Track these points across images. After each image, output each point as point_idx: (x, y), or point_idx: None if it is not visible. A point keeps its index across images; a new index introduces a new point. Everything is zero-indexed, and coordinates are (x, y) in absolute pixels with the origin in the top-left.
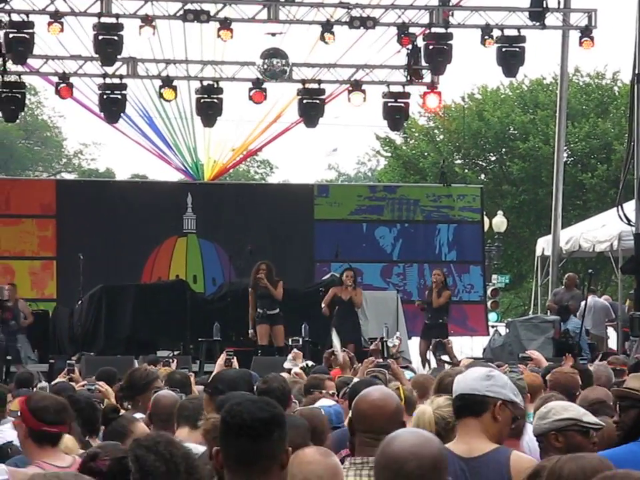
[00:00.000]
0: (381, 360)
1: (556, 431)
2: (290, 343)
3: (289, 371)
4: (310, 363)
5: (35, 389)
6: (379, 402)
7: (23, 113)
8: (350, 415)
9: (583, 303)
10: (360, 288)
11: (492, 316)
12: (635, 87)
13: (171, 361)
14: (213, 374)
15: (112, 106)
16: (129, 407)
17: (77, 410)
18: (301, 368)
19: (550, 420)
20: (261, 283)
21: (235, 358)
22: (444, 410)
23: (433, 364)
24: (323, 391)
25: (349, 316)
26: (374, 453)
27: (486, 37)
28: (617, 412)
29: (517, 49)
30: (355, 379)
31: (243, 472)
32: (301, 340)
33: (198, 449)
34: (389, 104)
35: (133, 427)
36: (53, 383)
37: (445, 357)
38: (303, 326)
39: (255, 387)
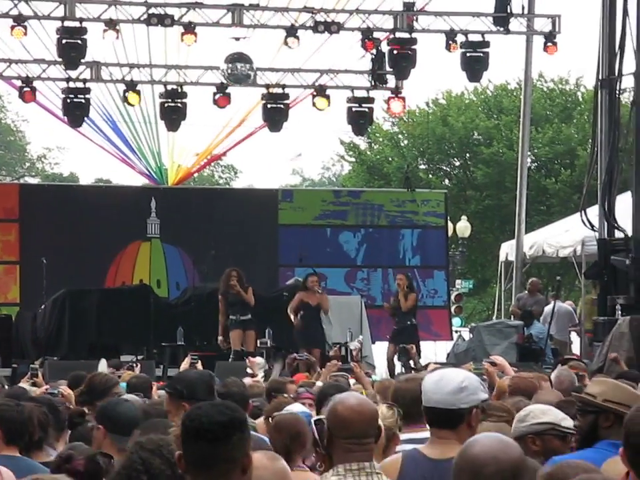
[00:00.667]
0: (343, 364)
1: (534, 434)
2: (259, 345)
3: (252, 375)
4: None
5: None
6: (358, 407)
7: None
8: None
9: (547, 308)
10: (325, 293)
11: (456, 321)
12: (599, 92)
13: (134, 365)
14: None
15: (75, 110)
16: (89, 412)
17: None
18: (264, 372)
19: (528, 423)
20: (233, 289)
21: (199, 362)
22: (389, 421)
23: (399, 369)
24: (285, 395)
25: (315, 321)
26: (359, 458)
27: (450, 42)
28: (576, 417)
29: (481, 54)
30: (319, 383)
31: (203, 475)
32: (268, 342)
33: None
34: (353, 109)
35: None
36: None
37: (410, 363)
38: (267, 330)
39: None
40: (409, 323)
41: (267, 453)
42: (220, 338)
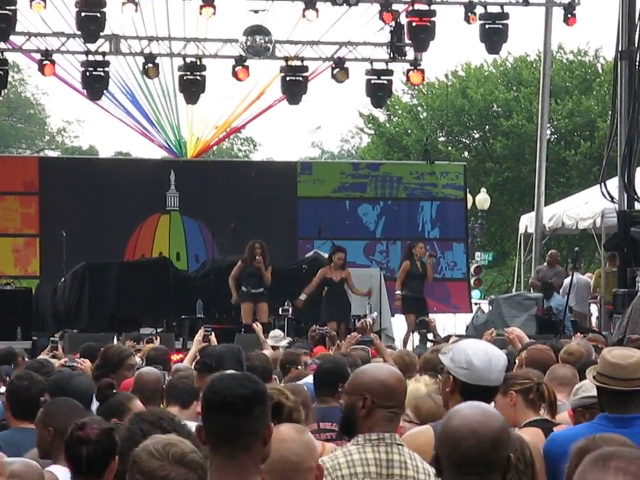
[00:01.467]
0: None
1: (583, 407)
2: (281, 312)
3: (273, 348)
4: (289, 340)
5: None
6: (399, 376)
7: (5, 90)
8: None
9: (567, 280)
10: (348, 269)
11: (475, 293)
12: (619, 64)
13: (154, 338)
14: (191, 350)
15: (95, 83)
16: None
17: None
18: (288, 343)
19: (579, 397)
20: (256, 263)
21: (212, 334)
22: (432, 387)
23: (416, 340)
24: (299, 367)
25: (340, 297)
26: (393, 428)
27: (469, 14)
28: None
29: (500, 26)
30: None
31: (225, 448)
32: (290, 310)
33: (192, 426)
34: (372, 81)
35: (131, 405)
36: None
37: (429, 335)
38: (286, 303)
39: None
40: (424, 294)
41: (295, 426)
42: (234, 300)
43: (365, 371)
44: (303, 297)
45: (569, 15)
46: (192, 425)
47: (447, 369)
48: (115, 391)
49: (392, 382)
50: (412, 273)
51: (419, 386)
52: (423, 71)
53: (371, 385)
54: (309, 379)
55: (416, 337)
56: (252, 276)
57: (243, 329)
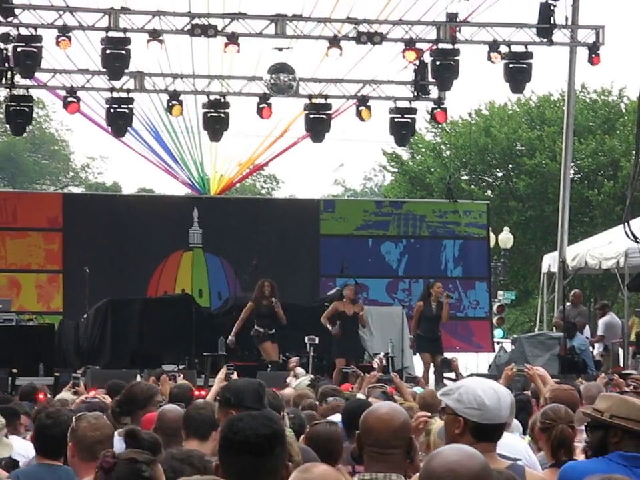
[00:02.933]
0: (383, 374)
1: None
2: (307, 341)
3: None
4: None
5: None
6: (385, 416)
7: (30, 127)
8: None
9: (602, 320)
10: (361, 304)
11: (497, 332)
12: None
13: (176, 375)
14: (214, 388)
15: (119, 120)
16: (127, 422)
17: None
18: (309, 381)
19: None
20: (266, 302)
21: (235, 373)
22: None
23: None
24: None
25: (351, 331)
26: (380, 468)
27: (492, 53)
28: (587, 432)
29: (524, 65)
30: (359, 395)
31: None
32: (316, 339)
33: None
34: (396, 119)
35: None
36: (57, 397)
37: (451, 375)
38: (309, 337)
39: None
40: (439, 333)
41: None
42: (231, 339)
43: (367, 410)
44: (328, 326)
45: (593, 55)
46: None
47: (453, 410)
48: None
49: (372, 422)
50: (425, 314)
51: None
52: (446, 110)
53: (360, 424)
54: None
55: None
56: (266, 316)
57: (269, 366)
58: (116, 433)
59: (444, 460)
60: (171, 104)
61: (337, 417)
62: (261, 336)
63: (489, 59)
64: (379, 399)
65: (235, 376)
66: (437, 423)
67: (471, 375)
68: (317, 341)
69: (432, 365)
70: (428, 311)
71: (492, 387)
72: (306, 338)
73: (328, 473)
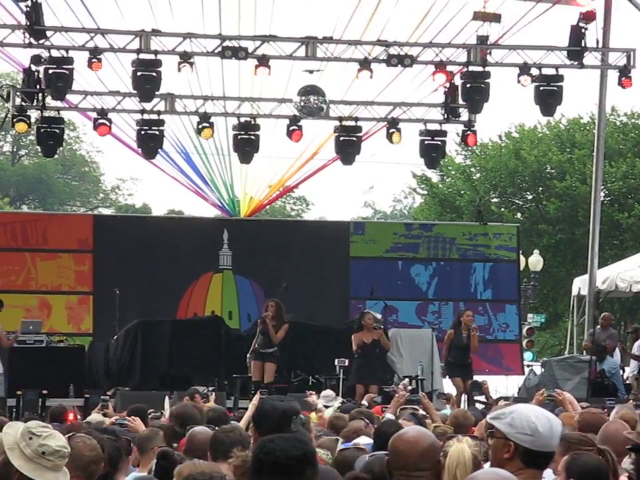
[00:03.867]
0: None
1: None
2: (337, 363)
3: (325, 407)
4: (341, 400)
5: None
6: (412, 439)
7: (61, 148)
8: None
9: (637, 343)
10: (380, 330)
11: (527, 355)
12: None
13: (209, 394)
14: (247, 413)
15: (149, 142)
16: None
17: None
18: (340, 404)
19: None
20: (266, 320)
21: None
22: (475, 449)
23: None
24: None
25: (371, 358)
26: None
27: (521, 76)
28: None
29: (555, 88)
30: (389, 415)
31: None
32: (346, 361)
33: None
34: (426, 142)
35: None
36: (86, 419)
37: (481, 397)
38: (336, 364)
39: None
40: (469, 360)
41: None
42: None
43: (395, 434)
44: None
45: (624, 78)
46: None
47: (504, 434)
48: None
49: (399, 445)
50: (455, 343)
51: (463, 446)
52: (476, 133)
53: (389, 449)
54: (364, 439)
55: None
56: (263, 334)
57: (253, 387)
58: None
59: None
60: (201, 126)
61: (361, 440)
62: (254, 353)
63: (519, 82)
64: (408, 421)
65: None
66: (455, 446)
67: (500, 398)
68: (346, 364)
69: (463, 389)
70: (458, 339)
71: (545, 415)
72: (336, 361)
73: None
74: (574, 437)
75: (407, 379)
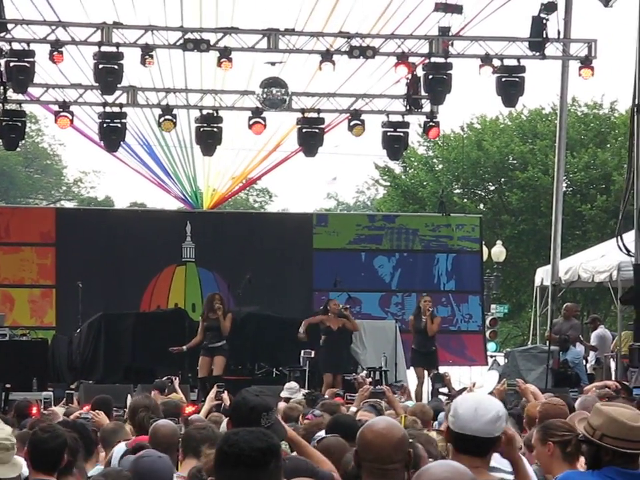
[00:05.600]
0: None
1: None
2: (303, 355)
3: (286, 400)
4: (304, 392)
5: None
6: (384, 430)
7: (23, 141)
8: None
9: (595, 333)
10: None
11: (491, 346)
12: (635, 117)
13: (173, 379)
14: (204, 407)
15: (112, 134)
16: None
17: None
18: (304, 395)
19: None
20: (215, 314)
21: (225, 392)
22: (440, 445)
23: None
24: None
25: (337, 347)
26: None
27: (483, 66)
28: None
29: (517, 79)
30: (352, 408)
31: None
32: (312, 353)
33: None
34: (388, 133)
35: None
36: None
37: (443, 389)
38: (302, 355)
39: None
40: (433, 348)
41: None
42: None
43: (364, 426)
44: (302, 332)
45: (585, 68)
46: None
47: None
48: None
49: (371, 437)
50: (416, 329)
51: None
52: (438, 125)
53: (358, 440)
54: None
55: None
56: (210, 330)
57: (198, 383)
58: (123, 444)
59: (433, 476)
60: (163, 119)
61: (322, 434)
62: (203, 349)
63: (481, 73)
64: (369, 413)
65: (225, 395)
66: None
67: (464, 389)
68: (312, 355)
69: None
70: (418, 324)
71: (475, 399)
72: (302, 352)
73: None
74: (554, 424)
75: (365, 372)
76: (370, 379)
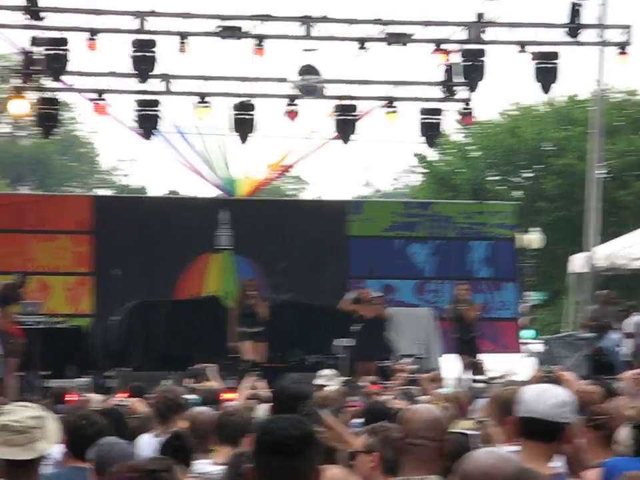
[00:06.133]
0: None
1: None
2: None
3: (320, 387)
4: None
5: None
6: (419, 410)
7: (58, 129)
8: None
9: (631, 320)
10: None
11: (529, 333)
12: None
13: (209, 366)
14: (240, 395)
15: (147, 122)
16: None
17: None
18: (339, 383)
19: None
20: (249, 301)
21: (260, 380)
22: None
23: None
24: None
25: (371, 335)
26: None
27: (519, 53)
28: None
29: (552, 66)
30: (387, 396)
31: None
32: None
33: None
34: (424, 120)
35: None
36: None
37: (478, 376)
38: (337, 343)
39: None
40: (472, 334)
41: (344, 470)
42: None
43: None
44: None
45: (622, 54)
46: None
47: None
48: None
49: (406, 414)
50: (453, 317)
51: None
52: (472, 113)
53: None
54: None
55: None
56: (249, 315)
57: (239, 368)
58: (151, 435)
59: (478, 463)
60: (198, 106)
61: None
62: (243, 336)
63: (517, 60)
64: (402, 401)
65: (260, 383)
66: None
67: (498, 377)
68: (347, 343)
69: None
70: (455, 313)
71: (542, 385)
72: (340, 340)
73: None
74: (593, 410)
75: (406, 359)
76: (413, 365)
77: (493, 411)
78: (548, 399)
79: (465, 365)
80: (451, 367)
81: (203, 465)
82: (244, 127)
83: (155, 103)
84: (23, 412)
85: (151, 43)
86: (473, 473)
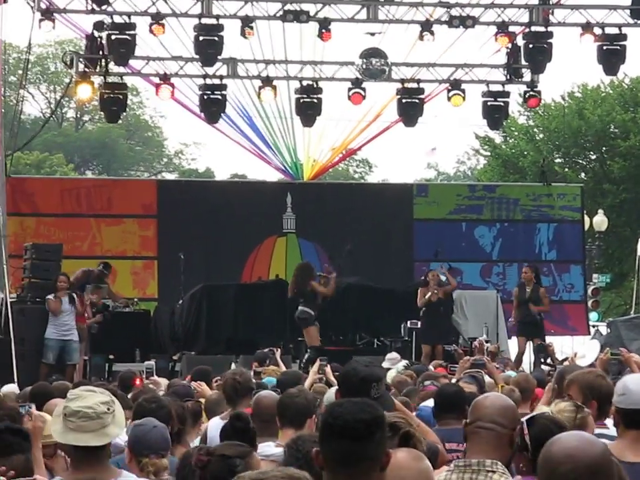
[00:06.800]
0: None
1: None
2: (409, 325)
3: (387, 370)
4: (406, 362)
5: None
6: (493, 397)
7: (124, 114)
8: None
9: None
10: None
11: (593, 315)
12: None
13: (274, 350)
14: (308, 380)
15: (212, 106)
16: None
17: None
18: (404, 366)
19: None
20: (310, 286)
21: (328, 366)
22: (565, 415)
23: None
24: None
25: (437, 318)
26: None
27: (584, 35)
28: None
29: (618, 47)
30: (454, 380)
31: (344, 473)
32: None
33: None
34: (489, 103)
35: None
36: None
37: (546, 359)
38: (402, 325)
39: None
40: (536, 317)
41: (411, 452)
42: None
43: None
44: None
45: None
46: None
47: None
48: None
49: (480, 400)
50: (520, 299)
51: (542, 408)
52: (539, 95)
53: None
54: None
55: (529, 359)
56: (313, 299)
57: (315, 351)
58: (216, 418)
59: (563, 445)
60: (262, 90)
61: (431, 403)
62: (312, 319)
63: (580, 38)
64: (469, 384)
65: (328, 369)
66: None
67: (566, 359)
68: (418, 325)
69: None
70: (521, 295)
71: None
72: (408, 323)
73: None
74: None
75: (485, 337)
76: (490, 345)
77: (574, 393)
78: None
79: (521, 348)
80: (517, 349)
81: (266, 447)
82: (309, 110)
83: (220, 87)
84: (93, 397)
85: (217, 27)
86: (557, 455)
